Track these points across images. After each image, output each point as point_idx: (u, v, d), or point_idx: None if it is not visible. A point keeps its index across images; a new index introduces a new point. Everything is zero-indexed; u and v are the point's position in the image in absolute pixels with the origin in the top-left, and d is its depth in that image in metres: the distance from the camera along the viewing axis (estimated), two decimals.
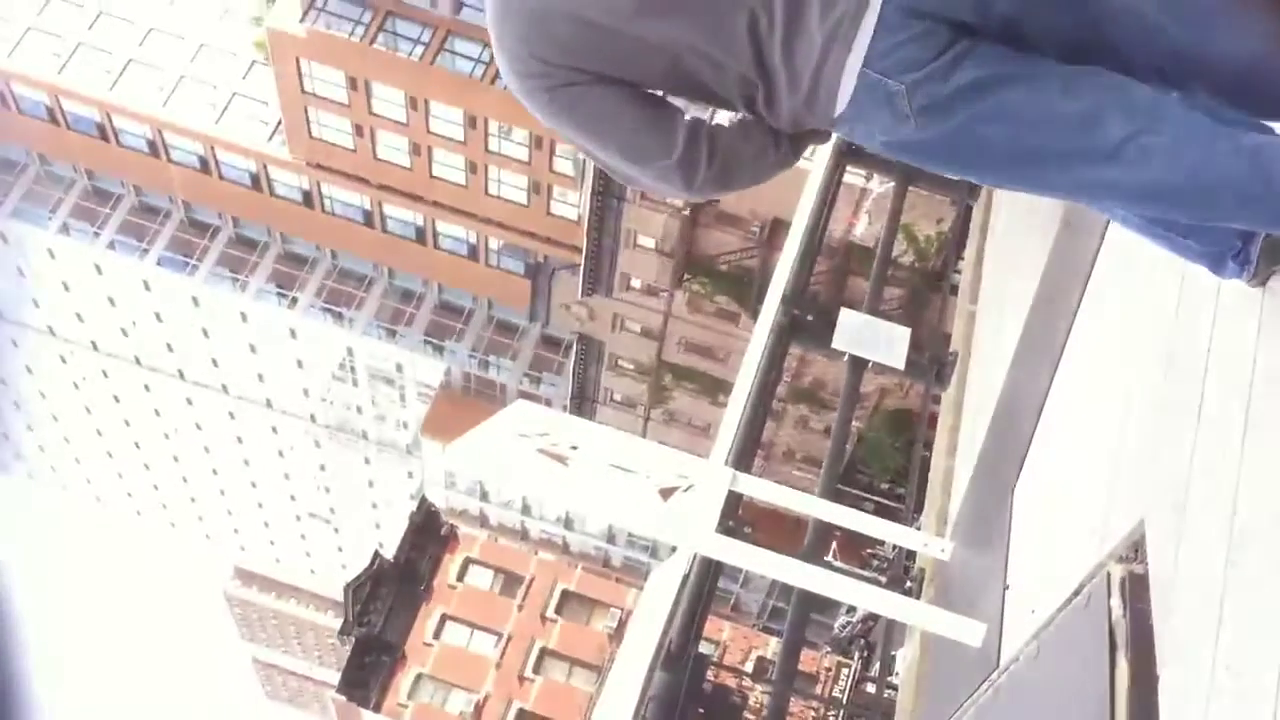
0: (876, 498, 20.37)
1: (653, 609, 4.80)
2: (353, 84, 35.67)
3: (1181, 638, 2.56)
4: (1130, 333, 3.46)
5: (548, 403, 38.27)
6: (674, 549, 5.01)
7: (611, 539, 47.63)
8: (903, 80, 1.83)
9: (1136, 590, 2.91)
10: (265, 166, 40.53)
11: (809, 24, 1.85)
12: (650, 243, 28.03)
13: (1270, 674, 2.02)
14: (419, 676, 30.76)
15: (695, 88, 1.99)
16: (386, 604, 30.04)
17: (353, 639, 29.82)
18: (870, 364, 8.13)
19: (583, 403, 34.91)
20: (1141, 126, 1.83)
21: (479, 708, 30.95)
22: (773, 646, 28.95)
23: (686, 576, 4.93)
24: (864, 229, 22.42)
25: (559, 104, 2.00)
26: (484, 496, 48.71)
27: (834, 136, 2.09)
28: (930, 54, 1.82)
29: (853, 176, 18.29)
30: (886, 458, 23.59)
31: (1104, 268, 4.05)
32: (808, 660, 22.61)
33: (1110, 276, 3.91)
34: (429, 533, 31.62)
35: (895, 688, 8.07)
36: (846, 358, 8.14)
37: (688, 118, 2.04)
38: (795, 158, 2.10)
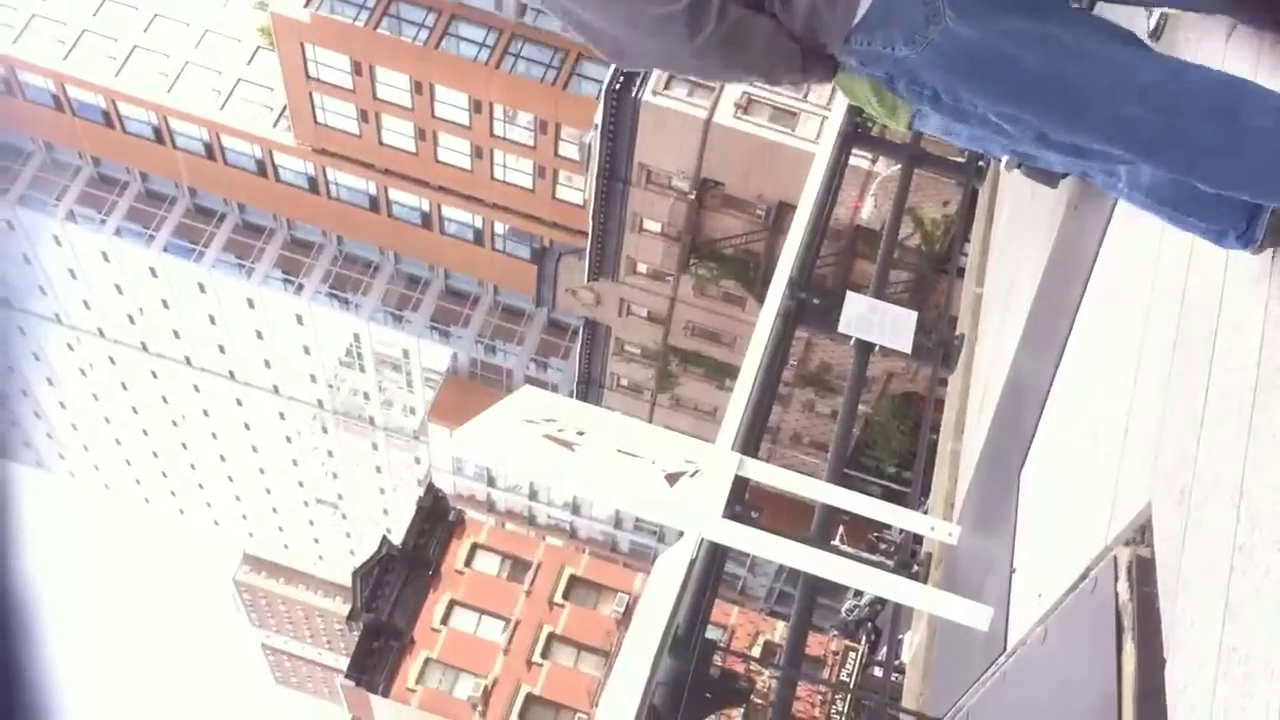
0: (883, 482, 20.38)
1: (660, 594, 4.81)
2: (357, 69, 35.62)
3: (1189, 621, 2.56)
4: (1137, 316, 3.45)
5: (554, 388, 38.29)
6: (681, 534, 5.01)
7: (618, 524, 47.70)
8: None
9: (1143, 574, 2.91)
10: (270, 152, 40.50)
11: None
12: (656, 227, 27.99)
13: (1279, 657, 2.02)
14: (427, 661, 30.85)
15: None
16: (394, 590, 30.13)
17: (361, 624, 29.91)
18: (877, 348, 8.13)
19: (589, 388, 34.93)
20: (1169, 77, 1.83)
21: (487, 692, 31.04)
22: (780, 631, 29.02)
23: (693, 561, 4.93)
24: (870, 212, 22.35)
25: None
26: (491, 482, 48.80)
27: (837, 98, 2.07)
28: None
29: (858, 160, 18.24)
30: (893, 442, 23.60)
31: (1111, 250, 4.04)
32: (815, 644, 22.66)
33: (1117, 259, 3.90)
34: (436, 518, 31.68)
35: (902, 671, 8.09)
36: (853, 342, 8.14)
37: None
38: (802, 75, 1.99)
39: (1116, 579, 3.06)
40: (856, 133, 9.63)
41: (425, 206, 39.95)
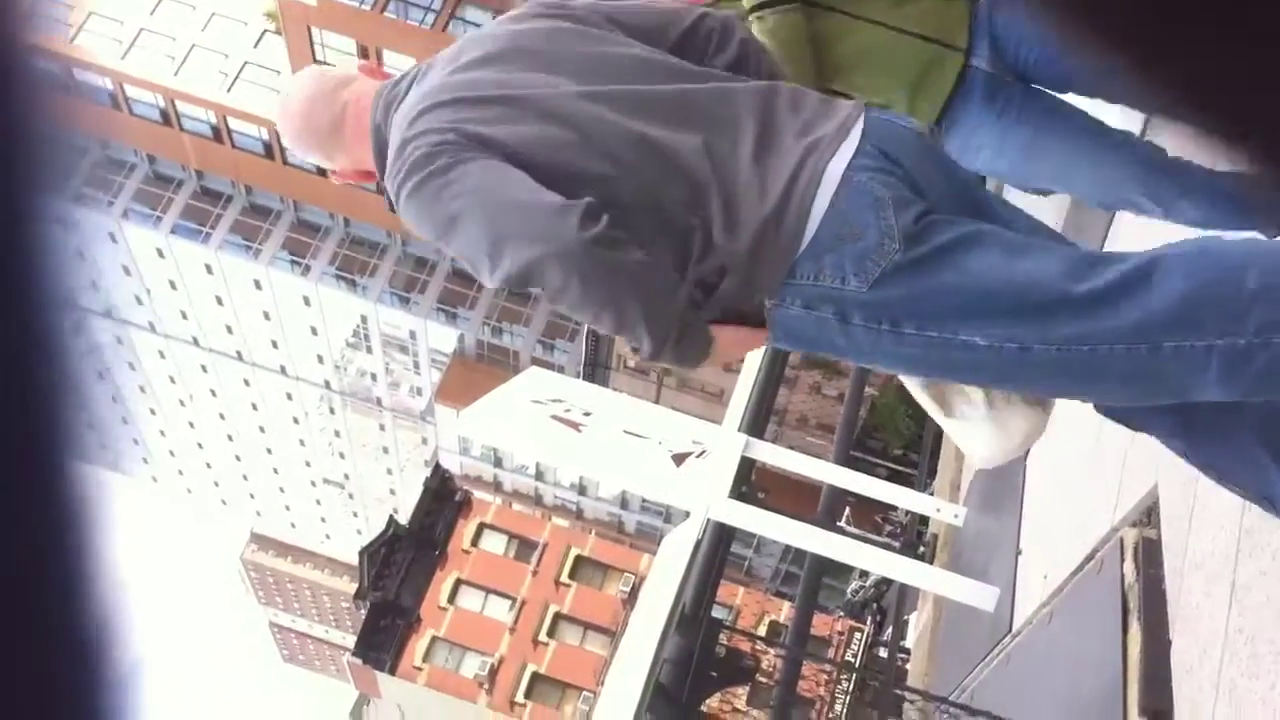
0: (890, 464, 20.38)
1: (666, 574, 4.83)
2: (364, 52, 35.53)
3: (1194, 602, 2.56)
4: None
5: (561, 369, 38.31)
6: (687, 514, 5.03)
7: (625, 504, 47.79)
8: (889, 188, 1.64)
9: (1149, 555, 2.91)
10: (277, 135, 40.39)
11: (783, 142, 1.68)
12: None
13: None
14: (434, 640, 30.99)
15: (636, 212, 1.67)
16: (401, 569, 30.23)
17: (368, 603, 30.03)
18: None
19: (596, 369, 34.92)
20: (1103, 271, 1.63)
21: (493, 671, 31.18)
22: (786, 611, 29.10)
23: (700, 542, 4.95)
24: None
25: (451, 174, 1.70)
26: (498, 462, 48.89)
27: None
28: (906, 192, 1.66)
29: None
30: (899, 424, 23.58)
31: (1119, 232, 4.04)
32: (821, 624, 22.70)
33: (1126, 239, 3.90)
34: (443, 498, 31.76)
35: (908, 652, 8.11)
36: None
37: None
38: (694, 340, 1.68)
39: (1123, 560, 3.07)
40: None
41: None
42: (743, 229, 1.64)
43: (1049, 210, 5.30)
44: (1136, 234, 3.42)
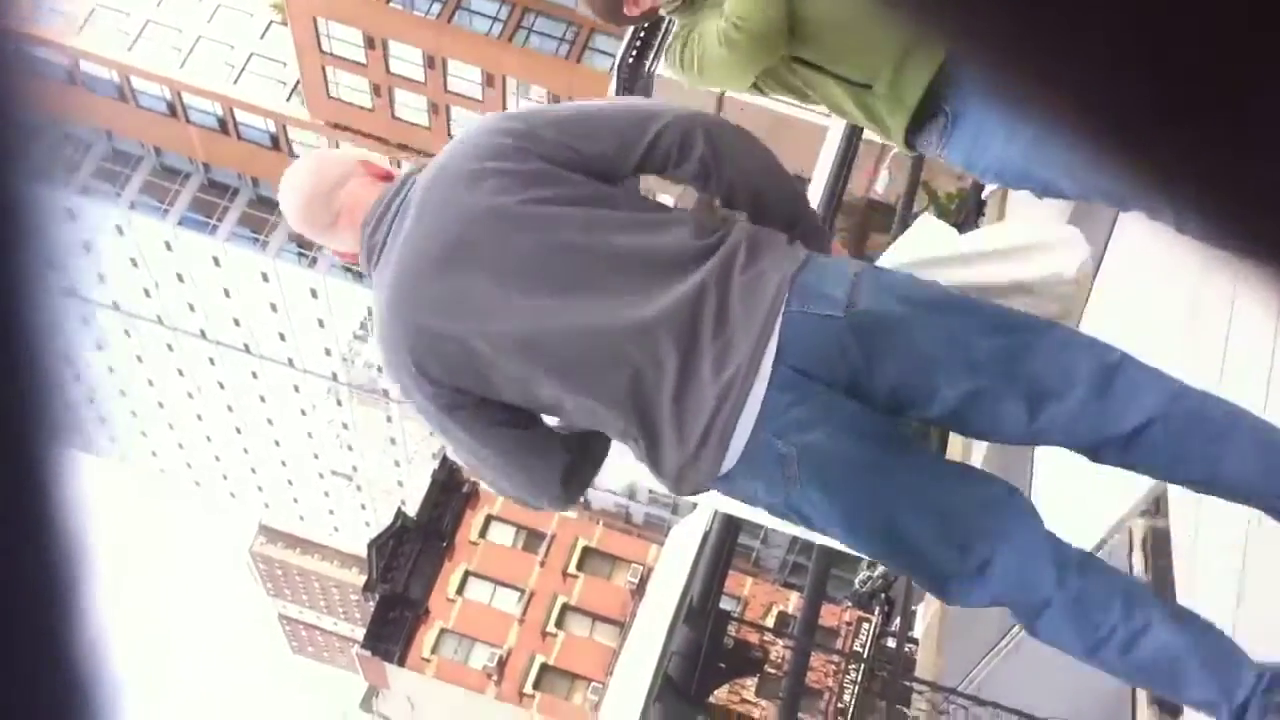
0: None
1: (674, 565, 4.83)
2: (370, 43, 35.52)
3: (1203, 593, 2.56)
4: (1153, 284, 3.43)
5: None
6: (694, 506, 5.03)
7: (632, 495, 47.82)
8: (793, 443, 1.80)
9: (1159, 545, 2.91)
10: (284, 127, 40.47)
11: (701, 380, 1.82)
12: (669, 200, 27.91)
13: None
14: (443, 631, 31.07)
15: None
16: (410, 561, 30.30)
17: (377, 595, 30.12)
18: None
19: None
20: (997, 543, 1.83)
21: (502, 662, 31.25)
22: (794, 601, 29.10)
23: (708, 533, 4.95)
24: (884, 186, 22.23)
25: (445, 422, 2.00)
26: None
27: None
28: (819, 415, 1.81)
29: (873, 133, 18.12)
30: None
31: (1127, 218, 4.02)
32: (829, 615, 22.71)
33: (1133, 227, 3.88)
34: (451, 490, 31.81)
35: (916, 642, 8.11)
36: None
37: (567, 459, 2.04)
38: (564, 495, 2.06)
39: (1131, 551, 3.06)
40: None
41: None
42: (665, 464, 1.87)
43: (1053, 208, 5.28)
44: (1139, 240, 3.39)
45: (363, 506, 64.02)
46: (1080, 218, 4.38)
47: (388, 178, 2.08)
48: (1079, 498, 3.92)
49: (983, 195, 9.05)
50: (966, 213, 9.51)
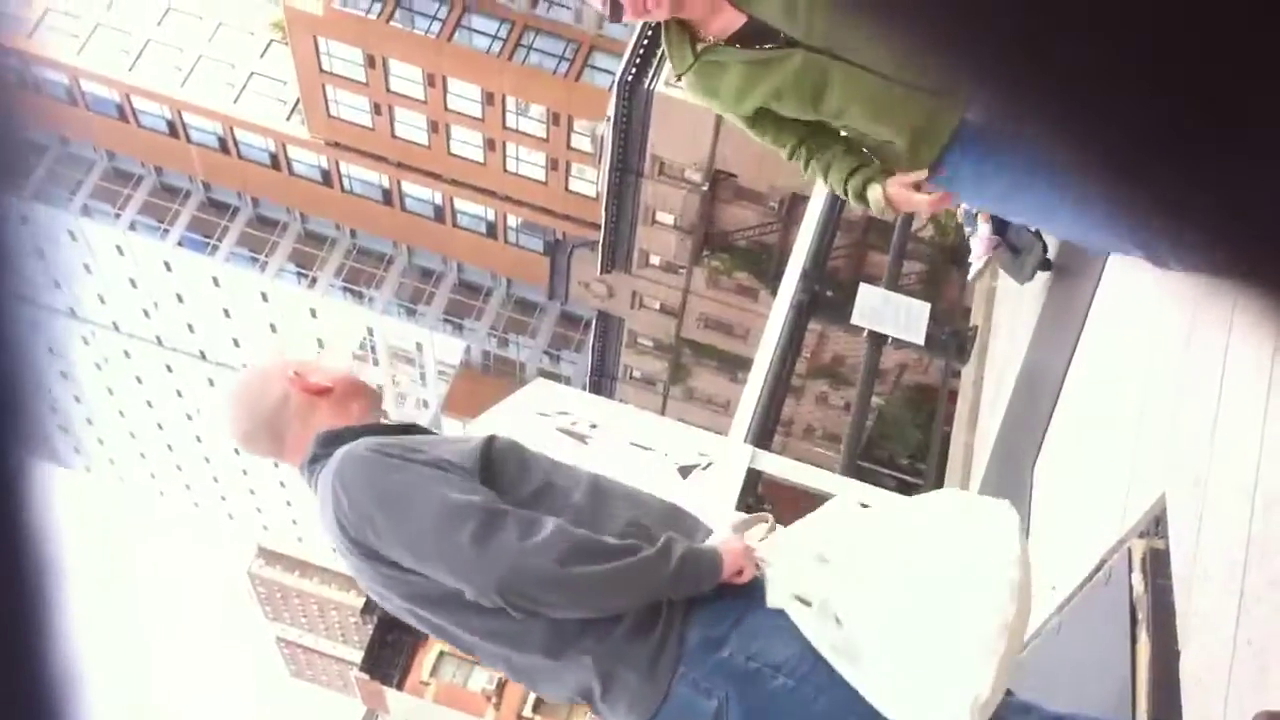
0: (897, 474, 20.33)
1: None
2: (370, 62, 35.65)
3: (1203, 613, 2.55)
4: (1151, 305, 3.44)
5: (567, 380, 38.32)
6: None
7: None
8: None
9: (1158, 565, 2.90)
10: (284, 146, 40.58)
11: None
12: (669, 219, 27.94)
13: None
14: (441, 654, 30.93)
15: None
16: None
17: (375, 617, 29.99)
18: (890, 339, 8.11)
19: (602, 380, 34.92)
20: None
21: (501, 685, 31.12)
22: None
23: None
24: None
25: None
26: None
27: None
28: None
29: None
30: (906, 434, 23.53)
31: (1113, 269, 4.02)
32: None
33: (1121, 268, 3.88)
34: None
35: None
36: (866, 333, 8.13)
37: None
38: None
39: (1131, 570, 3.06)
40: None
41: (438, 199, 39.98)
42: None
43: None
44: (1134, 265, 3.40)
45: None
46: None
47: (323, 392, 2.23)
48: (1078, 518, 3.92)
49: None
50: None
